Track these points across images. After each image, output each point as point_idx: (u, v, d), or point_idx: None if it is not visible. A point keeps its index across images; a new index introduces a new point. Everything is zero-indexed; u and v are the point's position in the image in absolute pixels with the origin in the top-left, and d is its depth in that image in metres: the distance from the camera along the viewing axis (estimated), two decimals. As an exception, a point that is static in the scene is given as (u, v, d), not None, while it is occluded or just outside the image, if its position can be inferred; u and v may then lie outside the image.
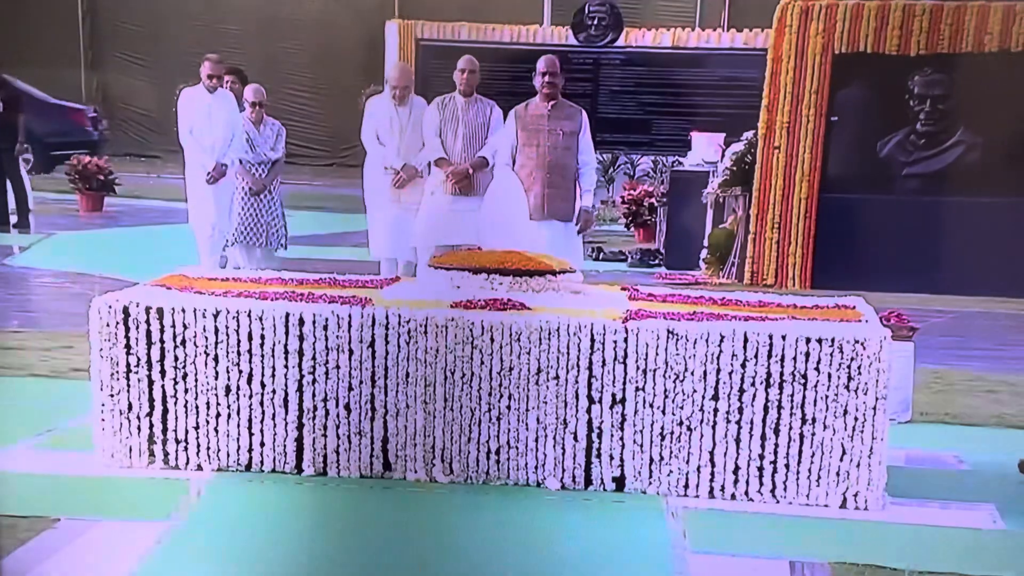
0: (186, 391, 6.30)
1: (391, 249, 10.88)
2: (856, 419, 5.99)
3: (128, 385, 6.29)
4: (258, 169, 11.50)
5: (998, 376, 9.29)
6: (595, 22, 21.75)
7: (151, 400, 6.31)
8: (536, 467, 6.22)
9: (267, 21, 31.34)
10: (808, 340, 6.01)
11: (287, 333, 6.24)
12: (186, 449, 6.34)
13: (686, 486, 6.16)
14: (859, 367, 5.97)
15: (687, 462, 6.13)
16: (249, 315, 6.26)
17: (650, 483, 6.18)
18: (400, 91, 10.66)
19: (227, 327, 6.26)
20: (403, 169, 10.57)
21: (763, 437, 6.08)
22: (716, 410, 6.09)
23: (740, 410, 6.08)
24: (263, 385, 6.28)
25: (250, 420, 6.30)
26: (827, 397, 6.00)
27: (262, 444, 6.32)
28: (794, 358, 6.01)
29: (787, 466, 6.08)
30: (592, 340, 6.12)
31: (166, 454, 6.35)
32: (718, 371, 6.07)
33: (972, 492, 6.43)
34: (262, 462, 6.33)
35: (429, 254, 9.22)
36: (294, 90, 30.43)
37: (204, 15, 31.57)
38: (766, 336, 6.04)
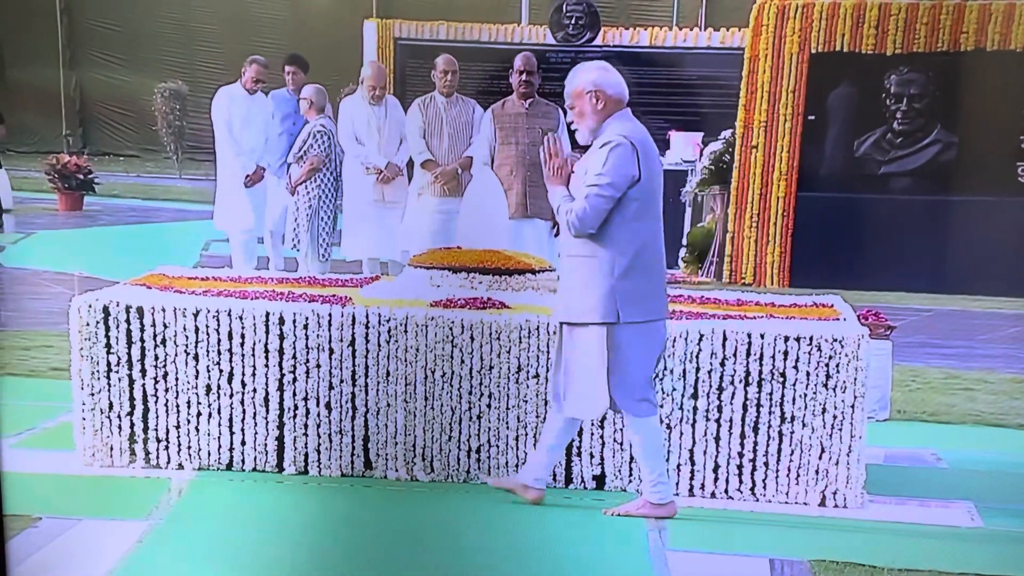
0: (167, 390, 6.31)
1: (374, 248, 10.74)
2: (835, 417, 6.02)
3: (109, 384, 6.30)
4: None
5: (975, 374, 9.34)
6: (573, 21, 21.68)
7: (132, 399, 6.32)
8: (517, 465, 6.23)
9: (244, 20, 31.24)
10: (787, 338, 6.04)
11: (267, 332, 6.25)
12: (167, 448, 6.35)
13: (666, 484, 6.19)
14: (837, 365, 6.00)
15: (667, 460, 6.15)
16: (229, 314, 6.26)
17: (630, 481, 6.20)
18: (378, 91, 10.59)
19: (207, 326, 6.27)
20: (387, 168, 10.50)
21: (742, 435, 6.12)
22: (695, 408, 6.13)
23: (719, 408, 6.11)
24: (244, 384, 6.29)
25: (231, 419, 6.31)
26: (806, 395, 6.03)
27: (243, 443, 6.33)
28: (773, 356, 6.04)
29: (766, 464, 6.12)
30: (572, 339, 6.13)
31: (147, 453, 6.36)
32: (697, 369, 6.11)
33: (950, 489, 6.47)
34: (243, 461, 6.34)
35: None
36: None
37: (181, 14, 31.44)
38: (745, 335, 6.07)
